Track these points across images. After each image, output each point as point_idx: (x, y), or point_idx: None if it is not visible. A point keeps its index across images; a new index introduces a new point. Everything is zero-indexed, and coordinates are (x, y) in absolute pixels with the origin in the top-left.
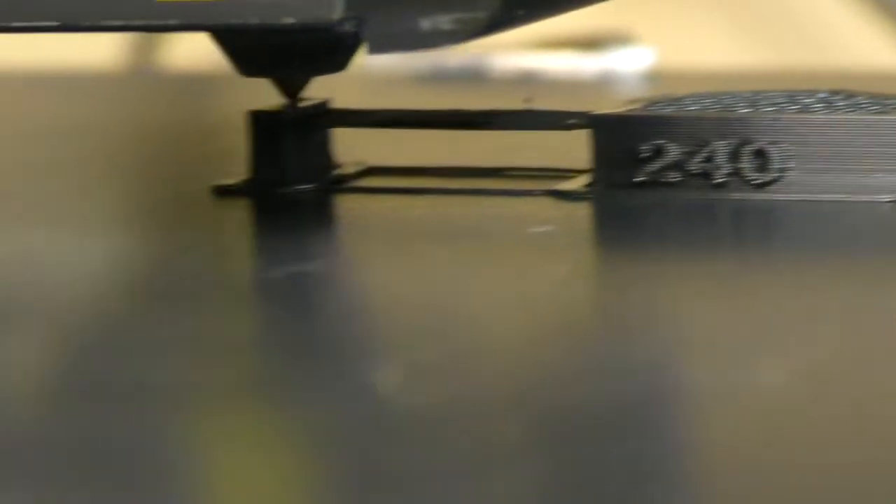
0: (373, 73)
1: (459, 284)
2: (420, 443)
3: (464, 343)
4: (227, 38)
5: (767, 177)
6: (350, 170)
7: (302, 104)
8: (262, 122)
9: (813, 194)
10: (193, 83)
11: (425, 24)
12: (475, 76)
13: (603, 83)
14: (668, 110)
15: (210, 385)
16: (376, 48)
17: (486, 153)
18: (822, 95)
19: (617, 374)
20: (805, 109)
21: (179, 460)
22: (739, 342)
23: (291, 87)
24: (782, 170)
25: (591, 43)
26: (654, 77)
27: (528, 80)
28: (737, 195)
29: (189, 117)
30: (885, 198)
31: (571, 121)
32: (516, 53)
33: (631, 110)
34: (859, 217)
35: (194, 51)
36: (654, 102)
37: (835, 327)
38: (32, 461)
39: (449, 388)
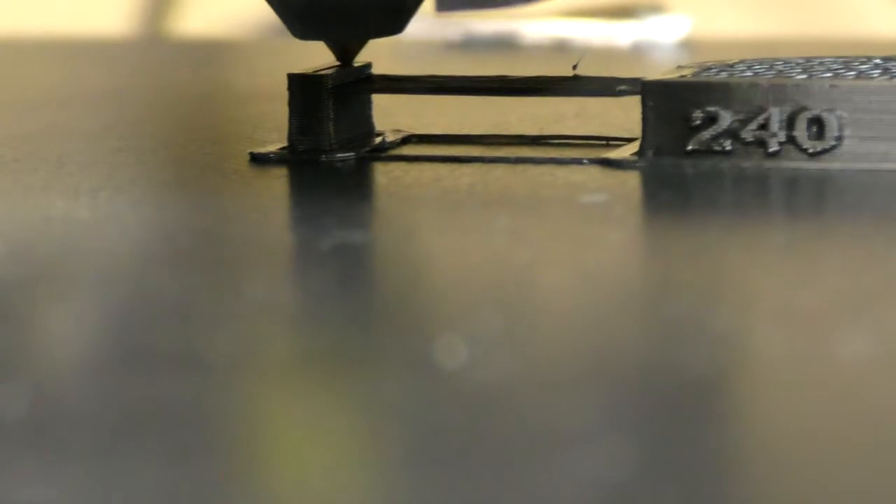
0: (402, 41)
1: (516, 255)
2: (510, 413)
3: (530, 313)
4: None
5: (824, 145)
6: (391, 137)
7: (343, 69)
8: (302, 87)
9: (871, 163)
10: (210, 50)
11: None
12: (507, 44)
13: (637, 52)
14: (722, 76)
15: (278, 357)
16: (445, 6)
17: (529, 121)
18: (877, 61)
19: (690, 344)
20: (861, 76)
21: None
22: (813, 314)
23: (347, 51)
24: (839, 138)
25: (624, 11)
26: (688, 46)
27: (562, 48)
28: (792, 164)
29: (215, 84)
30: None
31: (622, 87)
32: (548, 21)
33: (683, 76)
34: None
35: (205, 18)
36: (706, 68)
37: None
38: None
39: (520, 359)
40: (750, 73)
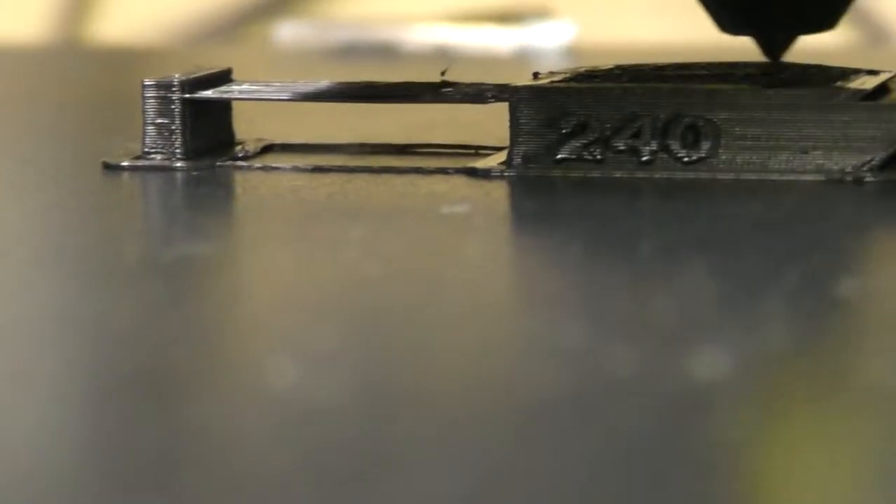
0: (281, 47)
1: (364, 267)
2: (330, 436)
3: (368, 329)
4: None
5: (699, 154)
6: (251, 146)
7: (196, 74)
8: (156, 95)
9: (746, 173)
10: (118, 56)
11: None
12: (389, 51)
13: (521, 58)
14: (593, 82)
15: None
16: None
17: (398, 130)
18: (752, 71)
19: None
20: (737, 84)
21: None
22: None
23: (775, 47)
24: (714, 147)
25: (508, 17)
26: (573, 52)
27: (443, 54)
28: (665, 173)
29: (98, 90)
30: (820, 177)
31: (490, 94)
32: (431, 27)
33: (553, 82)
34: (793, 196)
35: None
36: (577, 74)
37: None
38: None
39: (352, 380)
40: (624, 79)
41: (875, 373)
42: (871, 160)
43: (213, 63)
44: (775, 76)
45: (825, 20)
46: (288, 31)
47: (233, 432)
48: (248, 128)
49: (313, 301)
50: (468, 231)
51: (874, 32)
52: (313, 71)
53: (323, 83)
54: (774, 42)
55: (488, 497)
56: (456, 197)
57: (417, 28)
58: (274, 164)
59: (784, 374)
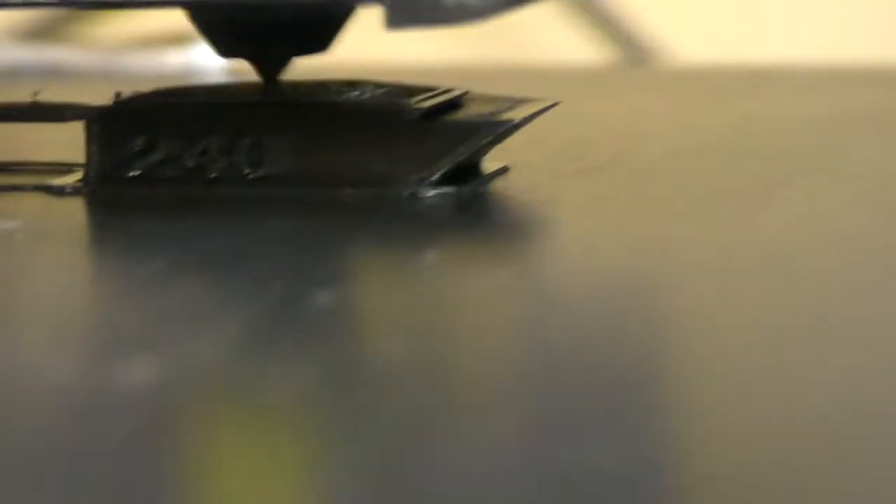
0: None
1: None
2: None
3: None
4: (202, 14)
5: (263, 171)
6: None
7: None
8: None
9: (306, 188)
10: None
11: None
12: (53, 73)
13: (174, 78)
14: (160, 101)
15: None
16: (394, 23)
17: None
18: (338, 86)
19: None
20: (305, 97)
21: None
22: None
23: (270, 69)
24: (280, 163)
25: (179, 39)
26: (234, 72)
27: (109, 77)
28: (233, 190)
29: None
30: (387, 190)
31: (69, 112)
32: (93, 50)
33: (123, 100)
34: (340, 211)
35: None
36: (155, 92)
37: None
38: None
39: None
40: (194, 97)
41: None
42: (430, 175)
43: None
44: (344, 92)
45: (318, 43)
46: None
47: None
48: None
49: None
50: (11, 247)
51: (636, 53)
52: None
53: None
54: (269, 65)
55: None
56: (11, 213)
57: (81, 51)
58: None
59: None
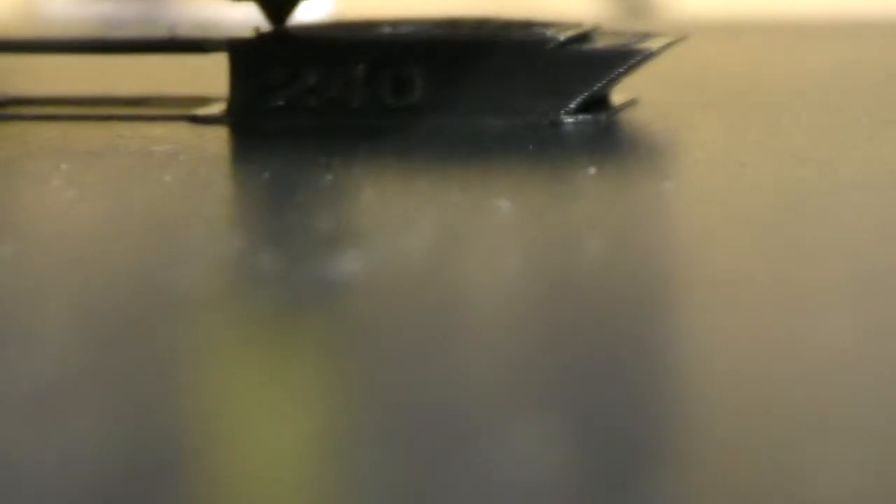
0: (46, 21)
1: (64, 193)
2: None
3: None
4: None
5: (406, 101)
6: None
7: None
8: None
9: (453, 118)
10: None
11: None
12: (151, 26)
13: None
14: (306, 33)
15: None
16: None
17: (132, 85)
18: (471, 22)
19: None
20: (445, 32)
21: None
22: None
23: (279, 10)
24: (422, 93)
25: None
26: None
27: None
28: (375, 120)
29: None
30: (520, 120)
31: (210, 45)
32: (193, 4)
33: (265, 33)
34: (497, 139)
35: None
36: (292, 28)
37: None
38: None
39: None
40: (335, 31)
41: None
42: (569, 103)
43: None
44: (480, 27)
45: None
46: (55, 6)
47: None
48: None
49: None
50: (170, 168)
51: (634, 6)
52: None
53: (61, 37)
54: (279, 8)
55: None
56: (170, 140)
57: (178, 4)
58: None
59: None
